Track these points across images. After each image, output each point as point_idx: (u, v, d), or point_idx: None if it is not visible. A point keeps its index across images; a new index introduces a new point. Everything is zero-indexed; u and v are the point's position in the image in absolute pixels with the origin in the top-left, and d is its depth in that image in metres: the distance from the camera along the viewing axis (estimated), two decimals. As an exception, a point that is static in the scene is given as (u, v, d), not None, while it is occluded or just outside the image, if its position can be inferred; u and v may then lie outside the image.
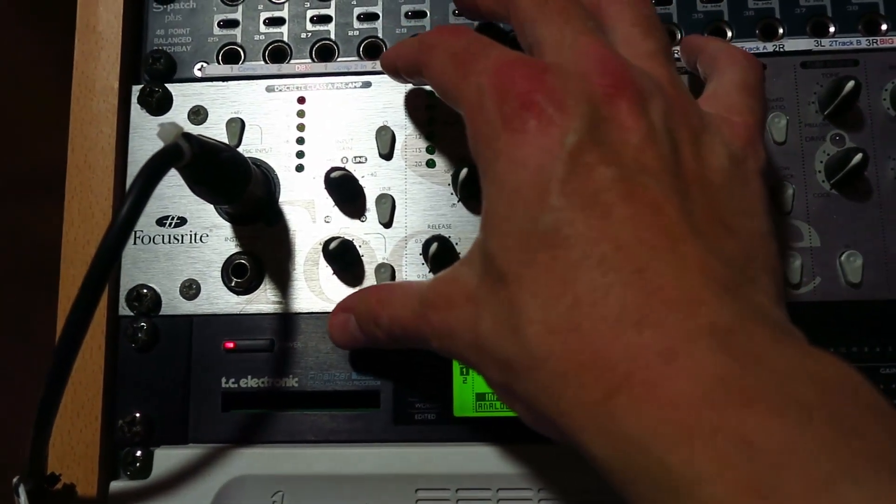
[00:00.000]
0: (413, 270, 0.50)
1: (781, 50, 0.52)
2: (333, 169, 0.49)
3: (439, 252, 0.48)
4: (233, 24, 0.55)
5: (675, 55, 0.51)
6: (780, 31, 0.52)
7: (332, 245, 0.48)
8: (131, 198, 0.38)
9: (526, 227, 0.31)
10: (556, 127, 0.31)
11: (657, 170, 0.32)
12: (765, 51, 0.52)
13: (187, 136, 0.41)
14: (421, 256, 0.50)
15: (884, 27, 0.52)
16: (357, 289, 0.50)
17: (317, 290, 0.50)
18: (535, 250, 0.31)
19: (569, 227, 0.30)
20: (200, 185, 0.45)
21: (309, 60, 0.54)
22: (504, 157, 0.32)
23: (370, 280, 0.50)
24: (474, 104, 0.34)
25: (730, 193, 0.34)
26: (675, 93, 0.36)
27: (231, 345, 0.49)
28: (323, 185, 0.50)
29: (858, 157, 0.47)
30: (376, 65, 0.53)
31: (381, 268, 0.50)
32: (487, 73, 0.34)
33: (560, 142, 0.31)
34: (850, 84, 0.48)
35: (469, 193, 0.50)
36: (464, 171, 0.48)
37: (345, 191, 0.50)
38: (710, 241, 0.31)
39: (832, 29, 0.52)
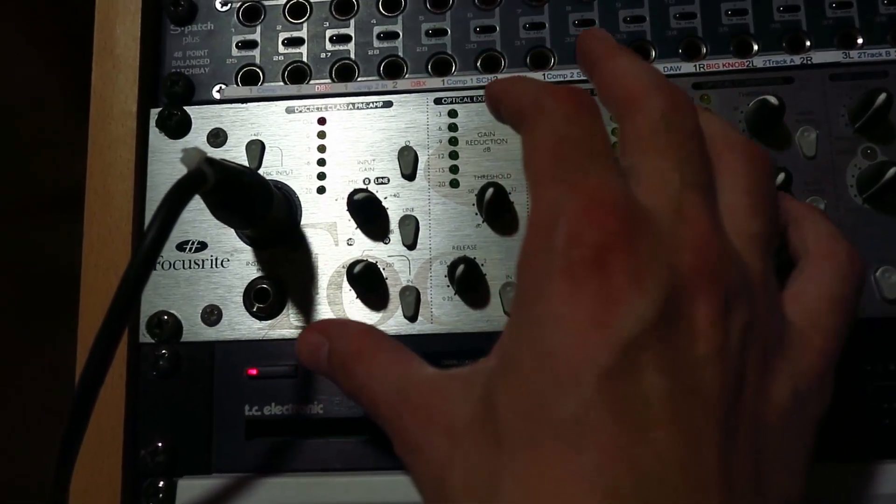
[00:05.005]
0: (438, 293, 0.49)
1: (809, 63, 0.51)
2: (357, 191, 0.49)
3: (465, 274, 0.47)
4: (251, 45, 0.54)
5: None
6: (808, 43, 0.51)
7: (357, 269, 0.47)
8: (156, 227, 0.37)
9: (546, 401, 0.26)
10: (621, 304, 0.26)
11: (713, 398, 0.27)
12: (792, 63, 0.51)
13: (210, 161, 0.40)
14: (446, 279, 0.49)
15: (913, 38, 0.51)
16: (381, 314, 0.49)
17: (341, 315, 0.49)
18: (545, 435, 0.26)
19: (590, 429, 0.25)
20: (223, 210, 0.44)
21: (329, 80, 0.53)
22: (548, 304, 0.27)
23: (395, 303, 0.49)
24: (545, 217, 0.29)
25: (780, 441, 0.29)
26: (764, 296, 0.31)
27: (254, 371, 0.48)
28: (345, 207, 0.50)
29: (893, 170, 0.46)
30: (397, 84, 0.53)
31: (405, 291, 0.49)
32: (577, 197, 0.28)
33: (620, 323, 0.26)
34: (882, 97, 0.47)
35: (494, 214, 0.49)
36: (489, 192, 0.48)
37: (368, 213, 0.49)
38: (739, 499, 0.27)
39: (860, 41, 0.51)
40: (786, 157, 0.49)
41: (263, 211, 0.46)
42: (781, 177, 0.47)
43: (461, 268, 0.47)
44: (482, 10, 0.54)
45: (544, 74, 0.52)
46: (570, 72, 0.52)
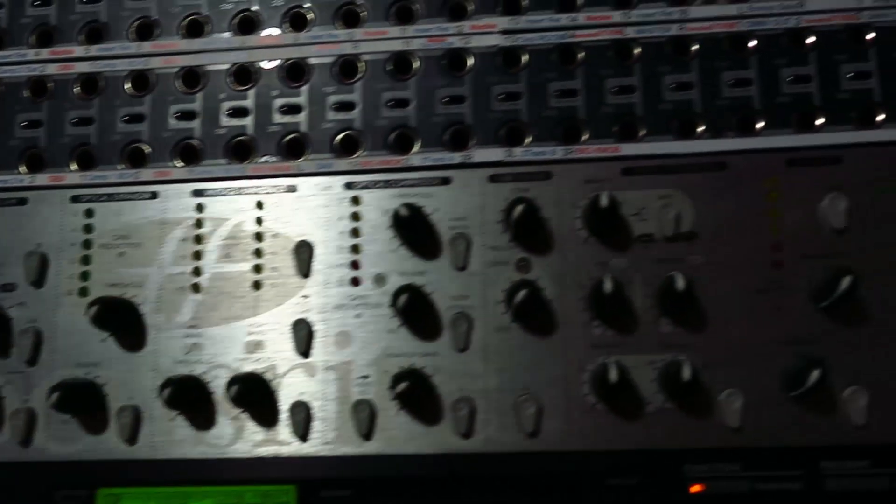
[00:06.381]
0: (56, 416, 0.45)
1: (469, 161, 0.46)
2: (-45, 306, 0.44)
3: (68, 397, 0.43)
4: None
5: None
6: (472, 140, 0.47)
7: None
8: None
9: None
10: None
11: None
12: (451, 162, 0.46)
13: None
14: (64, 399, 0.45)
15: (585, 136, 0.46)
16: (-14, 438, 0.45)
17: (-53, 438, 0.45)
18: None
19: None
20: None
21: (-31, 171, 0.49)
22: None
23: (7, 426, 0.45)
24: None
25: None
26: None
27: None
28: (-39, 319, 0.46)
29: (522, 293, 0.42)
30: (35, 178, 0.49)
31: (17, 413, 0.45)
32: None
33: None
34: (521, 208, 0.42)
35: (116, 328, 0.45)
36: (93, 310, 0.43)
37: (-29, 330, 0.45)
38: None
39: (528, 138, 0.46)
40: (433, 268, 0.45)
41: None
42: (404, 298, 0.42)
43: (56, 394, 0.43)
44: (135, 96, 0.49)
45: (190, 172, 0.48)
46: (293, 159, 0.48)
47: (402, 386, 0.41)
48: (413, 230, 0.44)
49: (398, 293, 0.43)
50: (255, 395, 0.43)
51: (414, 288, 0.43)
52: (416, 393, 0.42)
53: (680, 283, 0.41)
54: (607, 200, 0.42)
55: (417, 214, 0.43)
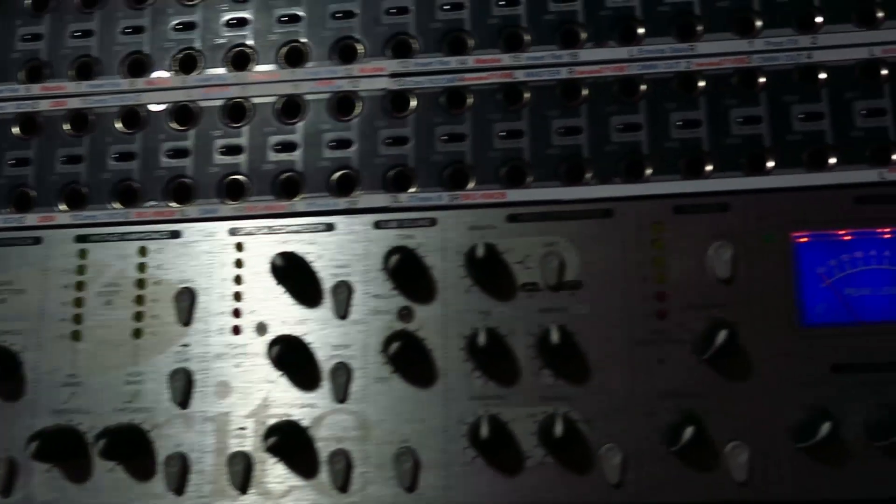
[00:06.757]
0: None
1: (355, 207, 0.45)
2: None
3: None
4: None
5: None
6: (358, 185, 0.46)
7: None
8: None
9: None
10: None
11: None
12: (336, 208, 0.45)
13: None
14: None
15: (471, 182, 0.45)
16: None
17: None
18: None
19: None
20: None
21: None
22: None
23: None
24: None
25: None
26: None
27: None
28: None
29: (395, 345, 0.41)
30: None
31: None
32: None
33: None
34: (395, 258, 0.42)
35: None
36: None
37: None
38: None
39: (415, 184, 0.46)
40: (315, 316, 0.44)
41: None
42: (276, 349, 0.41)
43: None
44: (22, 140, 0.49)
45: (75, 217, 0.47)
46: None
47: (270, 440, 0.40)
48: (289, 279, 0.43)
49: (272, 344, 0.42)
50: (125, 448, 0.42)
51: (288, 339, 0.42)
52: (287, 447, 0.41)
53: (555, 336, 0.40)
54: (483, 251, 0.41)
55: (293, 263, 0.42)
